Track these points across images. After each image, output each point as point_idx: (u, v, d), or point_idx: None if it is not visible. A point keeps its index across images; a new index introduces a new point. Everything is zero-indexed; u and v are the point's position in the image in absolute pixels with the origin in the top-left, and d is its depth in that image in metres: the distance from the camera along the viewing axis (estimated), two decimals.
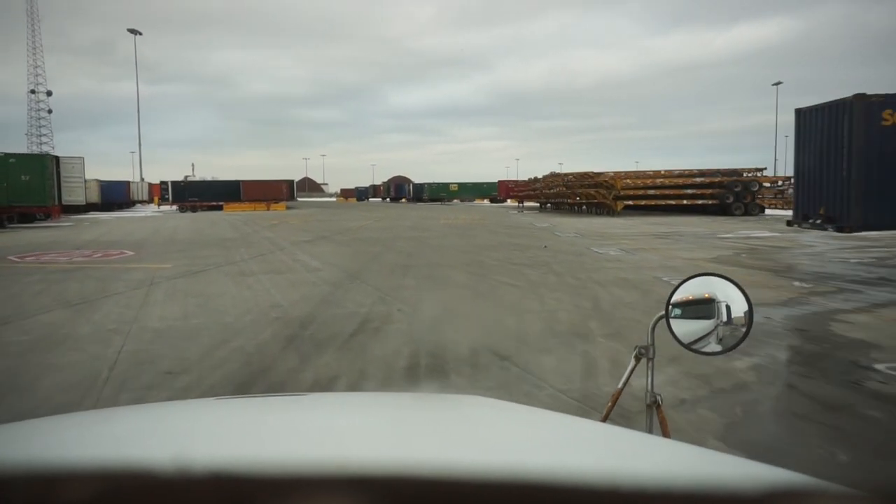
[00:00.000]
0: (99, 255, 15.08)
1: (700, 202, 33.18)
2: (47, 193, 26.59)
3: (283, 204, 60.12)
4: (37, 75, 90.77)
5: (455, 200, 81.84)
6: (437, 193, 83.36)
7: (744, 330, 1.55)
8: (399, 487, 0.49)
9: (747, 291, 1.55)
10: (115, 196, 58.82)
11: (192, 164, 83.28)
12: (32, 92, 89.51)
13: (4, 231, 24.73)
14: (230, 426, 1.03)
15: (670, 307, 1.61)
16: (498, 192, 76.17)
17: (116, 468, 0.51)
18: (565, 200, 40.19)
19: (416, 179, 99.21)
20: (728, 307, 1.56)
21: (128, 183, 64.86)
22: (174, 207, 57.08)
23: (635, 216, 31.93)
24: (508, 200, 73.13)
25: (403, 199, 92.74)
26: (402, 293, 9.10)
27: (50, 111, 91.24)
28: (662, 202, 33.67)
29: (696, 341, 1.58)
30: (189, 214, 49.72)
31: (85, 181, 29.83)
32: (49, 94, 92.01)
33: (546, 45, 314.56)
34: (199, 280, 10.67)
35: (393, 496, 0.47)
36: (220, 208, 56.28)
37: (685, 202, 33.44)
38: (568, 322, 7.13)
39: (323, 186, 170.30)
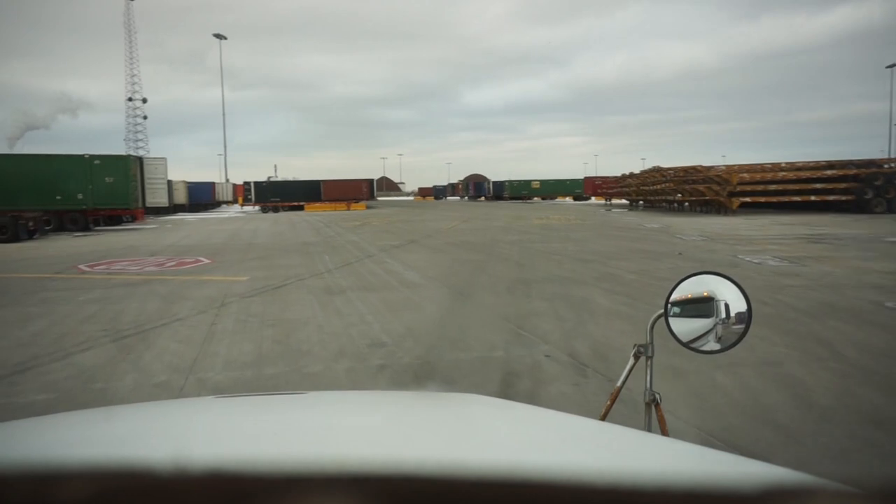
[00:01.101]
0: (172, 263, 13.61)
1: (831, 198, 29.06)
2: (131, 195, 26.02)
3: (363, 204, 59.29)
4: (133, 84, 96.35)
5: (535, 198, 78.96)
6: (518, 191, 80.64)
7: (743, 328, 1.54)
8: (398, 486, 0.48)
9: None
10: (202, 197, 59.75)
11: (275, 165, 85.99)
12: (130, 100, 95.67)
13: (87, 234, 24.25)
14: (229, 425, 1.02)
15: (669, 305, 1.61)
16: (584, 189, 72.46)
17: (116, 467, 0.51)
18: (667, 197, 36.71)
19: (490, 177, 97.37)
20: (727, 305, 1.56)
21: (213, 184, 65.89)
22: (257, 208, 57.30)
23: (754, 215, 28.28)
24: (593, 198, 69.55)
25: (482, 198, 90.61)
26: (539, 325, 6.79)
27: (145, 117, 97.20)
28: (785, 198, 29.77)
29: (694, 340, 1.58)
30: (271, 215, 49.48)
31: (170, 182, 29.21)
32: (144, 101, 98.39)
33: (623, 37, 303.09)
34: (278, 300, 8.75)
35: (392, 495, 0.47)
36: (301, 208, 56.09)
37: (813, 198, 29.42)
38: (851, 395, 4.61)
39: (400, 185, 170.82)
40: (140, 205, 27.05)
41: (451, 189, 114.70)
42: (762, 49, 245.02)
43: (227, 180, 74.99)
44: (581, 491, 0.51)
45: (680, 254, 13.60)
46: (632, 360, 1.82)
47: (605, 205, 54.23)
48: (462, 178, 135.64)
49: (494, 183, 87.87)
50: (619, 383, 1.88)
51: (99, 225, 27.53)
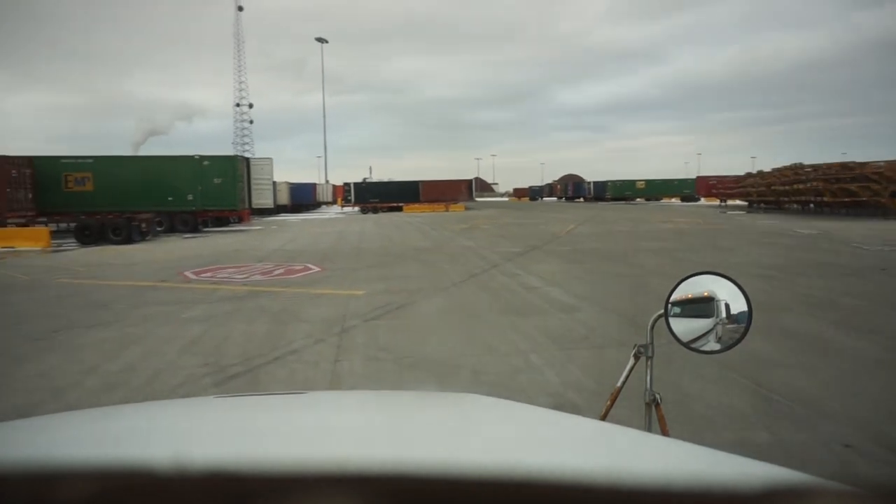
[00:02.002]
0: (280, 271, 12.44)
1: None
2: (238, 196, 25.73)
3: (461, 205, 58.02)
4: (241, 90, 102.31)
5: (638, 199, 74.83)
6: (620, 192, 76.79)
7: (743, 328, 1.53)
8: (397, 486, 0.49)
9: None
10: (303, 198, 60.55)
11: (369, 166, 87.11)
12: (237, 105, 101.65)
13: (196, 236, 24.08)
14: (229, 425, 1.02)
15: (669, 306, 1.60)
16: (695, 189, 67.60)
17: (116, 466, 0.51)
18: (804, 198, 32.72)
19: (586, 178, 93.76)
20: (727, 305, 1.55)
21: (314, 185, 66.84)
22: (356, 208, 57.36)
23: None
24: (703, 199, 64.74)
25: (580, 199, 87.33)
26: (809, 386, 4.74)
27: (251, 122, 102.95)
28: None
29: (695, 340, 1.57)
30: (371, 216, 49.14)
31: (274, 183, 28.91)
32: (250, 106, 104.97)
33: (730, 30, 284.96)
34: (407, 325, 7.15)
35: (392, 495, 0.47)
36: (399, 209, 55.61)
37: None
38: None
39: (493, 186, 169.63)
40: (246, 206, 26.76)
41: (549, 190, 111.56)
42: (888, 37, 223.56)
43: (327, 181, 76.22)
44: (581, 491, 0.50)
45: (884, 270, 10.93)
46: (632, 361, 1.81)
47: (720, 206, 50.02)
48: (556, 178, 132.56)
49: (595, 183, 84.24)
50: (618, 383, 1.87)
51: (207, 226, 27.51)
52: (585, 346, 6.04)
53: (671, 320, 1.60)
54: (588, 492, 0.50)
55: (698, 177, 69.57)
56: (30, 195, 23.58)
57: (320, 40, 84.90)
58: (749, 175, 44.25)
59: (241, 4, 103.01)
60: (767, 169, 40.93)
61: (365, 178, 67.90)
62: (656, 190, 76.13)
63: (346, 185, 62.75)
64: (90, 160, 25.07)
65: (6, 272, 13.05)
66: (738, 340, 1.54)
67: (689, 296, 1.59)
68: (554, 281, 10.26)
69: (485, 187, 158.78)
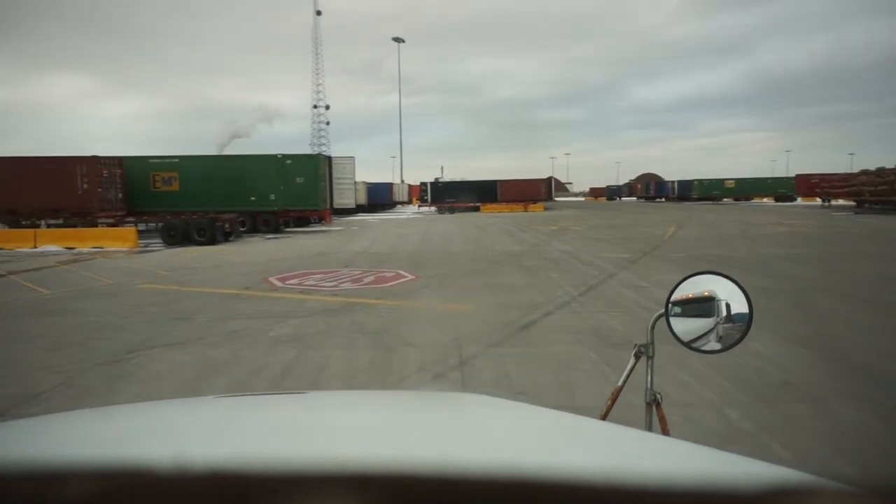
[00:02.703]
0: (370, 278, 11.33)
1: None
2: (320, 196, 25.06)
3: (540, 205, 56.23)
4: (318, 92, 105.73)
5: (725, 199, 70.46)
6: (707, 191, 72.58)
7: (744, 327, 1.54)
8: (399, 486, 0.49)
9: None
10: (380, 197, 60.22)
11: (441, 166, 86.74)
12: (315, 107, 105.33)
13: (278, 237, 23.57)
14: (230, 424, 1.00)
15: (670, 305, 1.60)
16: (794, 188, 62.84)
17: (116, 466, 0.51)
18: None
19: (664, 177, 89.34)
20: (728, 305, 1.55)
21: (391, 185, 66.48)
22: (432, 208, 56.52)
23: None
24: (798, 199, 60.01)
25: (661, 199, 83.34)
26: None
27: (328, 123, 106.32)
28: None
29: (695, 339, 1.58)
30: (448, 216, 48.12)
31: (355, 183, 28.20)
32: (327, 107, 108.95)
33: (818, 20, 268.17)
34: (542, 358, 5.77)
35: (393, 494, 0.47)
36: (476, 209, 54.40)
37: None
38: None
39: (567, 186, 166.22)
40: (328, 206, 26.09)
41: (628, 189, 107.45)
42: None
43: (402, 181, 75.93)
44: (582, 491, 0.50)
45: None
46: (632, 360, 1.81)
47: (823, 206, 46.04)
48: (631, 177, 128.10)
49: (679, 182, 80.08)
50: (619, 383, 1.88)
51: (288, 226, 27.07)
52: (803, 400, 4.47)
53: (672, 320, 1.59)
54: (589, 492, 0.50)
55: (798, 175, 64.45)
56: (119, 195, 23.74)
57: (397, 40, 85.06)
58: (864, 172, 40.23)
59: (320, 9, 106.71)
60: (870, 167, 37.22)
61: (436, 178, 67.25)
62: (748, 189, 71.53)
63: (423, 184, 62.13)
64: (176, 160, 25.04)
65: (91, 275, 12.58)
66: (739, 340, 1.54)
67: (690, 295, 1.60)
68: None
69: (559, 187, 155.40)
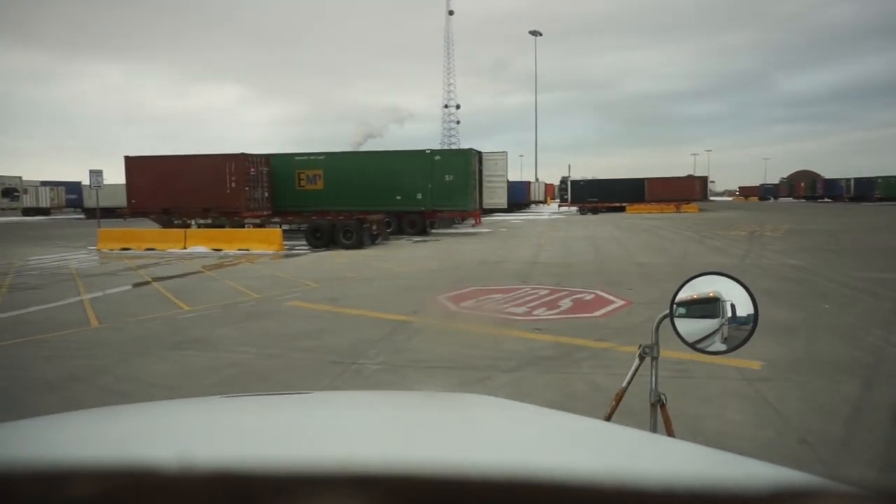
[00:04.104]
0: (567, 302, 8.72)
1: None
2: (470, 195, 22.84)
3: (694, 205, 51.05)
4: (449, 91, 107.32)
5: None
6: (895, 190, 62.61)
7: (749, 328, 1.54)
8: (403, 486, 0.48)
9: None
10: (518, 197, 57.58)
11: (568, 164, 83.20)
12: (446, 107, 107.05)
13: (426, 239, 21.59)
14: (234, 425, 1.00)
15: (675, 306, 1.60)
16: None
17: (121, 466, 0.51)
18: None
19: (823, 174, 78.36)
20: (733, 306, 1.55)
21: (528, 183, 63.68)
22: (572, 208, 53.21)
23: None
24: None
25: (827, 199, 73.53)
26: None
27: (458, 122, 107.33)
28: None
29: (700, 340, 1.57)
30: (592, 216, 44.70)
31: (507, 181, 25.66)
32: (458, 107, 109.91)
33: None
34: None
35: (397, 495, 0.47)
36: (621, 209, 50.51)
37: None
38: None
39: (710, 184, 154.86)
40: (478, 206, 23.77)
41: (788, 188, 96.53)
42: None
43: (537, 179, 72.80)
44: (586, 492, 0.50)
45: None
46: (637, 361, 1.81)
47: None
48: (783, 176, 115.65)
49: (857, 180, 70.19)
50: (623, 384, 1.88)
51: (434, 228, 25.19)
52: None
53: (676, 321, 1.59)
54: (593, 492, 0.50)
55: None
56: (266, 194, 22.97)
57: (534, 33, 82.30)
58: None
59: (452, 9, 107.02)
60: None
61: (563, 177, 63.93)
62: None
63: (562, 183, 59.09)
64: (321, 157, 23.89)
65: (235, 285, 11.05)
66: (745, 340, 1.54)
67: (695, 296, 1.59)
68: None
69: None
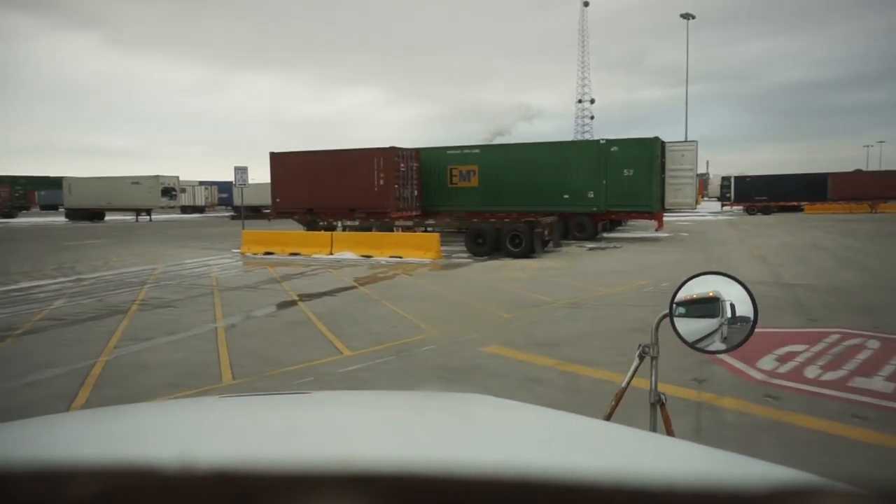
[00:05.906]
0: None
1: None
2: (654, 193, 19.22)
3: (893, 204, 43.23)
4: (583, 86, 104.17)
5: None
6: None
7: (749, 327, 1.52)
8: (402, 486, 0.49)
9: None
10: None
11: (706, 161, 74.56)
12: (579, 101, 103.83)
13: (600, 247, 18.20)
14: (234, 424, 0.99)
15: (674, 306, 1.59)
16: None
17: (122, 466, 0.51)
18: None
19: None
20: (733, 305, 1.53)
21: None
22: (738, 207, 47.18)
23: None
24: None
25: None
26: None
27: (592, 117, 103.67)
28: None
29: (700, 340, 1.56)
30: (764, 217, 38.94)
31: (696, 175, 21.45)
32: (592, 101, 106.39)
33: None
34: None
35: (397, 495, 0.47)
36: (798, 209, 43.82)
37: None
38: None
39: None
40: (661, 205, 20.01)
41: None
42: None
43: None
44: (586, 491, 0.50)
45: None
46: (636, 361, 1.80)
47: None
48: None
49: None
50: (623, 384, 1.87)
51: (605, 230, 21.75)
52: None
53: (676, 320, 1.59)
54: (593, 492, 0.50)
55: None
56: (415, 192, 20.77)
57: (686, 16, 75.39)
58: None
59: (587, 0, 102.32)
60: None
61: (702, 173, 57.35)
62: None
63: (724, 179, 52.97)
64: (476, 150, 21.28)
65: (402, 312, 8.58)
66: (745, 339, 1.53)
67: (694, 296, 1.58)
68: None
69: None
